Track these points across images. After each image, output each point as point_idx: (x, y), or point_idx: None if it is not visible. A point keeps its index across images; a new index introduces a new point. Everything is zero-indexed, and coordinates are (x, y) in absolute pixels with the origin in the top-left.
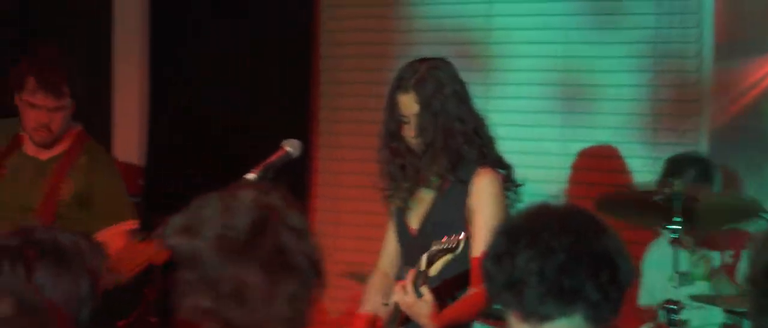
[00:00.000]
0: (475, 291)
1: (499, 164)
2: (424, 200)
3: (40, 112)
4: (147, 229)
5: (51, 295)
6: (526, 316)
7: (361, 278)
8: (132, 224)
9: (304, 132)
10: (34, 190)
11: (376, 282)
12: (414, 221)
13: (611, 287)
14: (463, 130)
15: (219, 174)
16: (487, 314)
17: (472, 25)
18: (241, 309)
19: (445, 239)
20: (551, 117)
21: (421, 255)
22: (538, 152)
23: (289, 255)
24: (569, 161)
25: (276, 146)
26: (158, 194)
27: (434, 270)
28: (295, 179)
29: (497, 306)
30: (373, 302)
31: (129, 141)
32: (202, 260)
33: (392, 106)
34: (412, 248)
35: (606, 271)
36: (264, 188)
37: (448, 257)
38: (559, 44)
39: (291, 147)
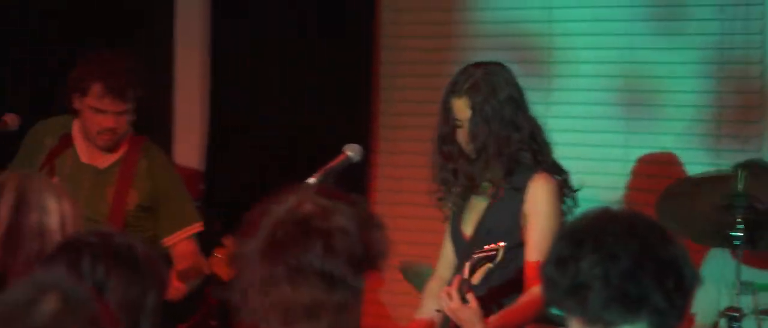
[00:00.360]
0: (527, 297)
1: (555, 170)
2: (477, 206)
3: (107, 116)
4: (208, 234)
5: (119, 301)
6: (590, 322)
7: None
8: (197, 227)
9: (364, 137)
10: (96, 200)
11: (433, 287)
12: (468, 227)
13: (677, 295)
14: (518, 136)
15: (279, 178)
16: (544, 320)
17: (534, 31)
18: (293, 296)
19: (486, 246)
20: (613, 123)
21: (469, 258)
22: (599, 158)
23: (306, 256)
24: (630, 168)
25: (336, 151)
26: (219, 198)
27: (477, 278)
28: (355, 184)
29: (557, 312)
30: (428, 308)
31: (190, 146)
32: (251, 262)
33: (446, 111)
34: (465, 253)
35: (672, 278)
36: (309, 192)
37: (489, 265)
38: (621, 50)
39: (352, 151)
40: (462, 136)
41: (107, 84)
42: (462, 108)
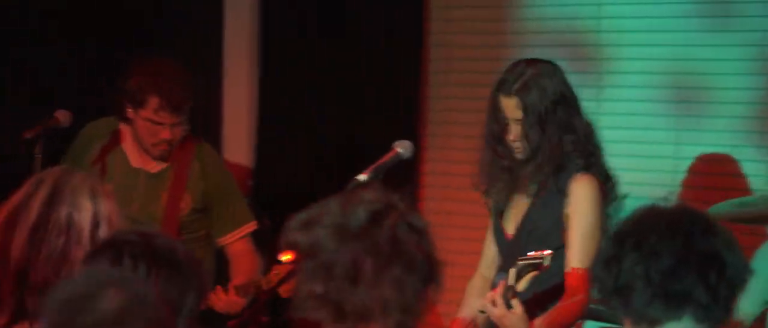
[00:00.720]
0: (569, 302)
1: (602, 174)
2: (520, 204)
3: (164, 128)
4: (257, 230)
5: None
6: (636, 321)
7: None
8: (251, 227)
9: (413, 133)
10: (150, 205)
11: (475, 285)
12: (510, 226)
13: (720, 287)
14: (571, 138)
15: (328, 175)
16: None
17: (584, 28)
18: (351, 291)
19: (531, 253)
20: (664, 120)
21: (513, 263)
22: (650, 155)
23: (403, 247)
24: (682, 165)
25: (384, 147)
26: (268, 195)
27: (522, 286)
28: (404, 181)
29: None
30: (471, 306)
31: (239, 142)
32: (319, 247)
33: (495, 109)
34: (507, 253)
35: (714, 270)
36: (386, 190)
37: (535, 273)
38: (672, 47)
39: (402, 148)
40: (512, 135)
41: (165, 98)
42: (512, 107)
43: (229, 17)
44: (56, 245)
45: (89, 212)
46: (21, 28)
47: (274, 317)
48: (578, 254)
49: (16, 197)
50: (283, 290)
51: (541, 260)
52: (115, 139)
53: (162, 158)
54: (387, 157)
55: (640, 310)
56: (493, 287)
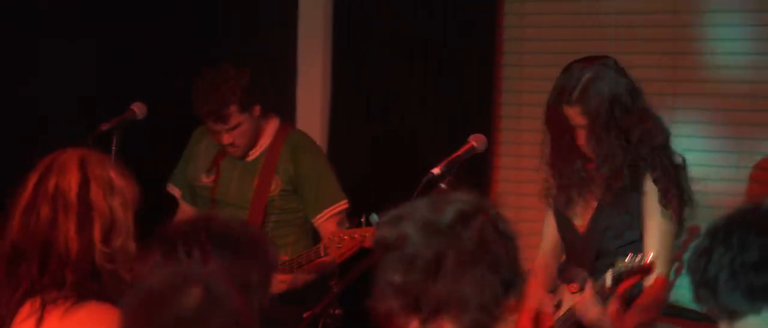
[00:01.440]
0: (649, 298)
1: (673, 168)
2: (590, 198)
3: (220, 135)
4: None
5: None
6: (720, 312)
7: None
8: (343, 205)
9: (486, 128)
10: (244, 190)
11: (538, 276)
12: (579, 220)
13: None
14: (637, 136)
15: (401, 168)
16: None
17: (658, 22)
18: (430, 284)
19: (629, 256)
20: (740, 115)
21: (592, 258)
22: (725, 151)
23: (488, 248)
24: (757, 160)
25: (456, 142)
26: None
27: (622, 289)
28: (477, 175)
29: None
30: (537, 297)
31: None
32: (405, 240)
33: (559, 119)
34: (579, 247)
35: None
36: (477, 194)
37: (638, 277)
38: (748, 41)
39: (477, 142)
40: (580, 140)
41: (204, 113)
42: (575, 116)
43: (303, 10)
44: (43, 214)
45: (75, 176)
46: (95, 17)
47: (346, 309)
48: (657, 246)
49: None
50: (366, 243)
51: (648, 266)
52: (201, 131)
53: (239, 157)
54: (461, 151)
55: (723, 302)
56: (568, 281)
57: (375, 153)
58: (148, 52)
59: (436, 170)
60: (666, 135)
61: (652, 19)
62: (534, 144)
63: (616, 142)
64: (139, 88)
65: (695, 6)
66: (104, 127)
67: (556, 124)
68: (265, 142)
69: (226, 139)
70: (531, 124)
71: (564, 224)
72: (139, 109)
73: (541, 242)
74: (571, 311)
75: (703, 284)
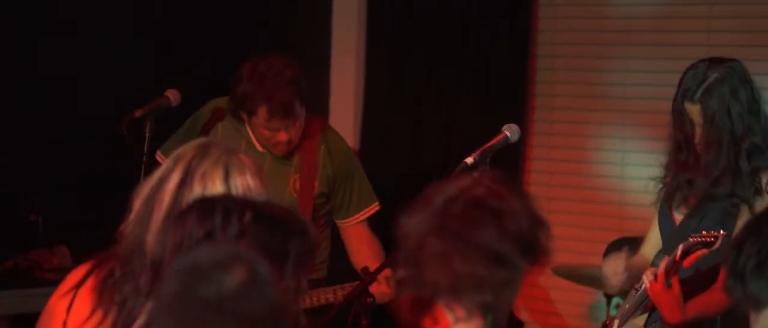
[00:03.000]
0: (717, 288)
1: None
2: (694, 197)
3: (279, 132)
4: None
5: (258, 252)
6: (746, 302)
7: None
8: (376, 207)
9: (520, 118)
10: (280, 188)
11: (634, 262)
12: (679, 213)
13: None
14: (751, 143)
15: (435, 160)
16: None
17: (691, 28)
18: (419, 272)
19: (704, 232)
20: None
21: (681, 242)
22: None
23: (470, 225)
24: None
25: (488, 133)
26: (373, 179)
27: (689, 262)
28: (509, 165)
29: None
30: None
31: (345, 128)
32: (405, 235)
33: (681, 116)
34: (671, 236)
35: None
36: (482, 176)
37: (704, 251)
38: None
39: (510, 132)
40: (696, 139)
41: (273, 107)
42: (695, 114)
43: (337, 5)
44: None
45: (220, 192)
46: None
47: (373, 320)
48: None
49: (154, 178)
50: (384, 296)
51: (714, 240)
52: (218, 114)
53: (283, 155)
54: (495, 141)
55: (750, 291)
56: (652, 265)
57: (408, 143)
58: (184, 39)
59: (469, 159)
60: None
61: (687, 11)
62: (566, 135)
63: (726, 150)
64: (173, 75)
65: (728, 12)
66: (138, 113)
67: (678, 119)
68: (302, 138)
69: (283, 137)
70: (563, 115)
71: (664, 215)
72: (173, 95)
73: (647, 233)
74: (644, 290)
75: (732, 274)
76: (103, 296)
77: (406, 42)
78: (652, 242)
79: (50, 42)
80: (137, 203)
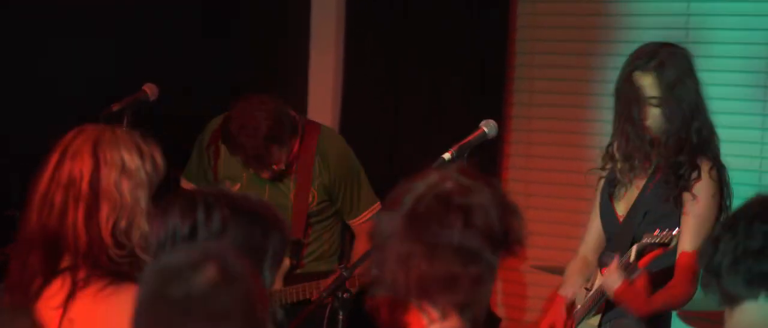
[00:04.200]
0: (678, 283)
1: (717, 159)
2: (633, 187)
3: (260, 171)
4: None
5: (239, 247)
6: (721, 298)
7: (553, 270)
8: (377, 208)
9: (498, 113)
10: (278, 200)
11: (577, 266)
12: (621, 208)
13: None
14: (697, 121)
15: (413, 153)
16: None
17: (671, 11)
18: (383, 274)
19: (656, 232)
20: (753, 105)
21: (628, 244)
22: (738, 141)
23: (428, 222)
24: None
25: (467, 127)
26: None
27: (644, 263)
28: (488, 160)
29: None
30: (572, 286)
31: (322, 120)
32: (391, 237)
33: (630, 87)
34: (618, 234)
35: None
36: (450, 170)
37: (659, 252)
38: (762, 31)
39: (488, 127)
40: (645, 114)
41: (249, 159)
42: (649, 85)
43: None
44: (55, 202)
45: (88, 163)
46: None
47: (350, 315)
48: (692, 238)
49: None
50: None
51: (669, 240)
52: (216, 137)
53: (276, 179)
54: (473, 136)
55: (725, 287)
56: (602, 266)
57: (386, 140)
58: (159, 33)
59: (447, 155)
60: (714, 134)
61: (664, 9)
62: (545, 131)
63: (677, 121)
64: (150, 69)
65: (708, 9)
66: (115, 107)
67: (626, 93)
68: (295, 147)
69: (266, 174)
70: (542, 111)
71: (607, 214)
72: (151, 90)
73: (586, 231)
74: (599, 289)
75: (708, 270)
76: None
77: (384, 39)
78: (592, 242)
79: (27, 36)
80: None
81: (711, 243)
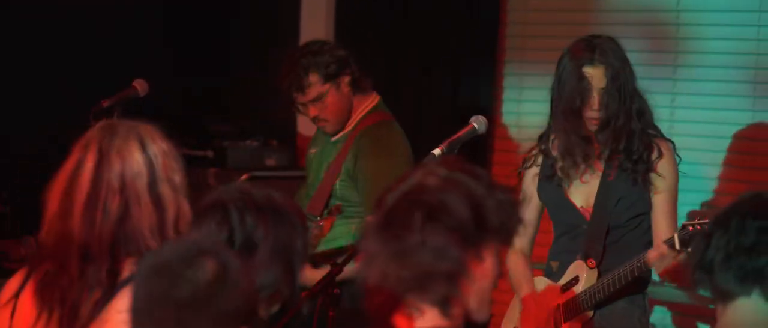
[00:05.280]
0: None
1: (668, 138)
2: (591, 176)
3: (305, 109)
4: None
5: (272, 247)
6: (714, 294)
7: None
8: None
9: (488, 109)
10: (320, 171)
11: (522, 262)
12: (580, 199)
13: None
14: (641, 105)
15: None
16: None
17: (661, 6)
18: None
19: (697, 219)
20: (742, 101)
21: (603, 232)
22: (726, 136)
23: (399, 219)
24: (758, 146)
25: (457, 122)
26: None
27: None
28: (477, 157)
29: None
30: (529, 284)
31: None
32: (368, 238)
33: (578, 80)
34: (589, 225)
35: None
36: (433, 164)
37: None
38: (752, 27)
39: (478, 123)
40: (595, 105)
41: (288, 83)
42: (599, 77)
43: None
44: (111, 209)
45: (142, 164)
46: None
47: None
48: (668, 220)
49: (68, 166)
50: None
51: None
52: None
53: (332, 133)
54: (462, 132)
55: (717, 283)
56: (586, 258)
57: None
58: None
59: (437, 150)
60: (653, 113)
61: (654, 4)
62: (535, 127)
63: (624, 107)
64: (140, 65)
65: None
66: (105, 103)
67: (573, 88)
68: (352, 122)
69: (310, 112)
70: (532, 107)
71: (562, 205)
72: (140, 86)
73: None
74: (610, 278)
75: (700, 267)
76: (44, 298)
77: (373, 38)
78: (528, 235)
79: (18, 31)
80: (54, 201)
81: (703, 239)
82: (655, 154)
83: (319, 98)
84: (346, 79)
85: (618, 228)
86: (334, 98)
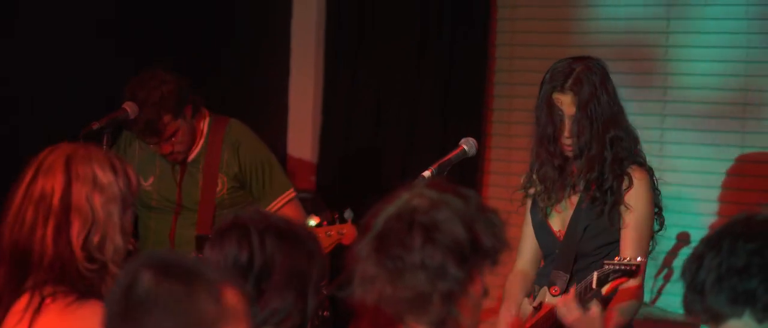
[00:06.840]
0: (627, 296)
1: (645, 165)
2: (567, 202)
3: (158, 146)
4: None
5: (288, 272)
6: (705, 316)
7: None
8: (291, 194)
9: (477, 131)
10: (191, 191)
11: (517, 280)
12: (557, 224)
13: None
14: (616, 131)
15: (393, 171)
16: None
17: (649, 28)
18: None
19: (617, 258)
20: (730, 122)
21: (571, 259)
22: (714, 158)
23: (393, 241)
24: (748, 167)
25: (447, 145)
26: (332, 190)
27: (608, 290)
28: (467, 179)
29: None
30: (518, 304)
31: (303, 140)
32: (360, 259)
33: (550, 107)
34: (561, 250)
35: None
36: (422, 186)
37: (624, 280)
38: (741, 49)
39: (467, 145)
40: (567, 132)
41: (140, 128)
42: (568, 104)
43: (297, 20)
44: (26, 218)
45: (60, 180)
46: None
47: (334, 313)
48: (634, 246)
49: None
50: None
51: (634, 267)
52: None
53: (177, 162)
54: (452, 155)
55: (709, 305)
56: (551, 285)
57: (366, 159)
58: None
59: (426, 173)
60: (637, 140)
61: (642, 26)
62: (524, 149)
63: (597, 134)
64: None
65: (685, 13)
66: (95, 125)
67: (545, 114)
68: (201, 139)
69: (165, 149)
70: (522, 129)
71: (543, 230)
72: (131, 108)
73: (519, 246)
74: (551, 312)
75: (692, 288)
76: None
77: (364, 59)
78: (529, 255)
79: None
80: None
81: (694, 260)
82: (625, 185)
83: (173, 135)
84: (189, 108)
85: (585, 256)
86: (185, 129)
